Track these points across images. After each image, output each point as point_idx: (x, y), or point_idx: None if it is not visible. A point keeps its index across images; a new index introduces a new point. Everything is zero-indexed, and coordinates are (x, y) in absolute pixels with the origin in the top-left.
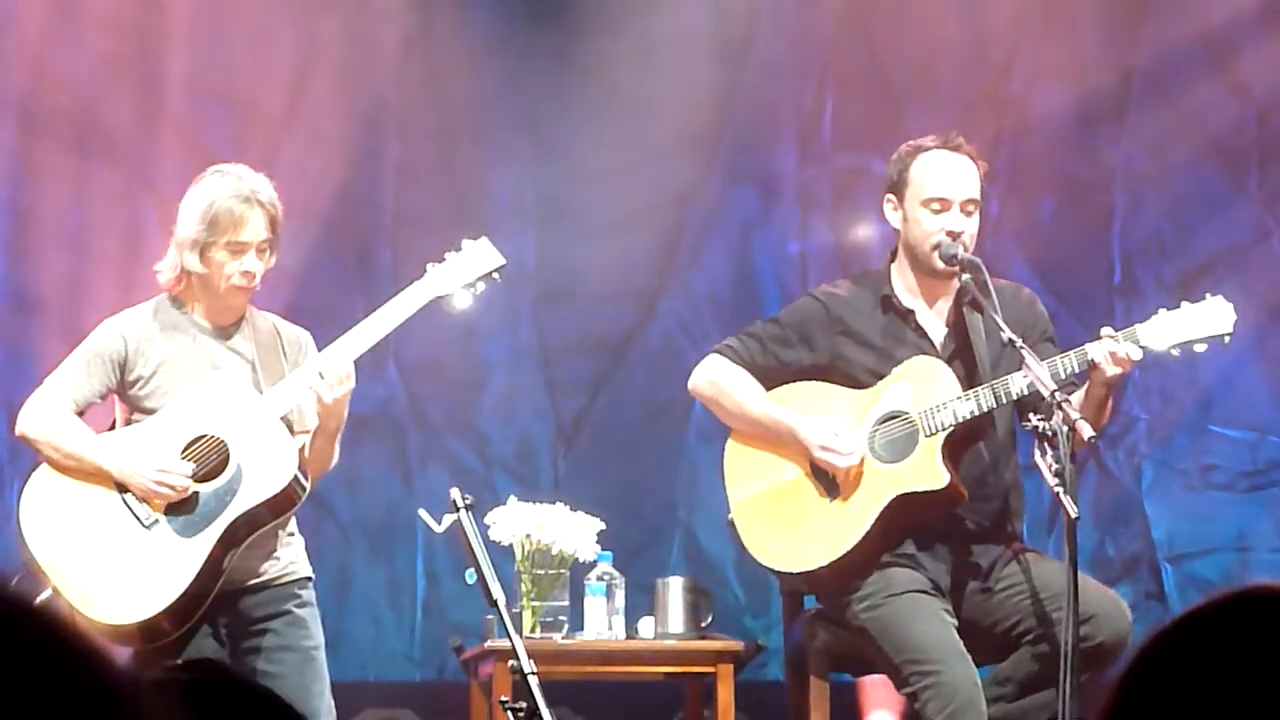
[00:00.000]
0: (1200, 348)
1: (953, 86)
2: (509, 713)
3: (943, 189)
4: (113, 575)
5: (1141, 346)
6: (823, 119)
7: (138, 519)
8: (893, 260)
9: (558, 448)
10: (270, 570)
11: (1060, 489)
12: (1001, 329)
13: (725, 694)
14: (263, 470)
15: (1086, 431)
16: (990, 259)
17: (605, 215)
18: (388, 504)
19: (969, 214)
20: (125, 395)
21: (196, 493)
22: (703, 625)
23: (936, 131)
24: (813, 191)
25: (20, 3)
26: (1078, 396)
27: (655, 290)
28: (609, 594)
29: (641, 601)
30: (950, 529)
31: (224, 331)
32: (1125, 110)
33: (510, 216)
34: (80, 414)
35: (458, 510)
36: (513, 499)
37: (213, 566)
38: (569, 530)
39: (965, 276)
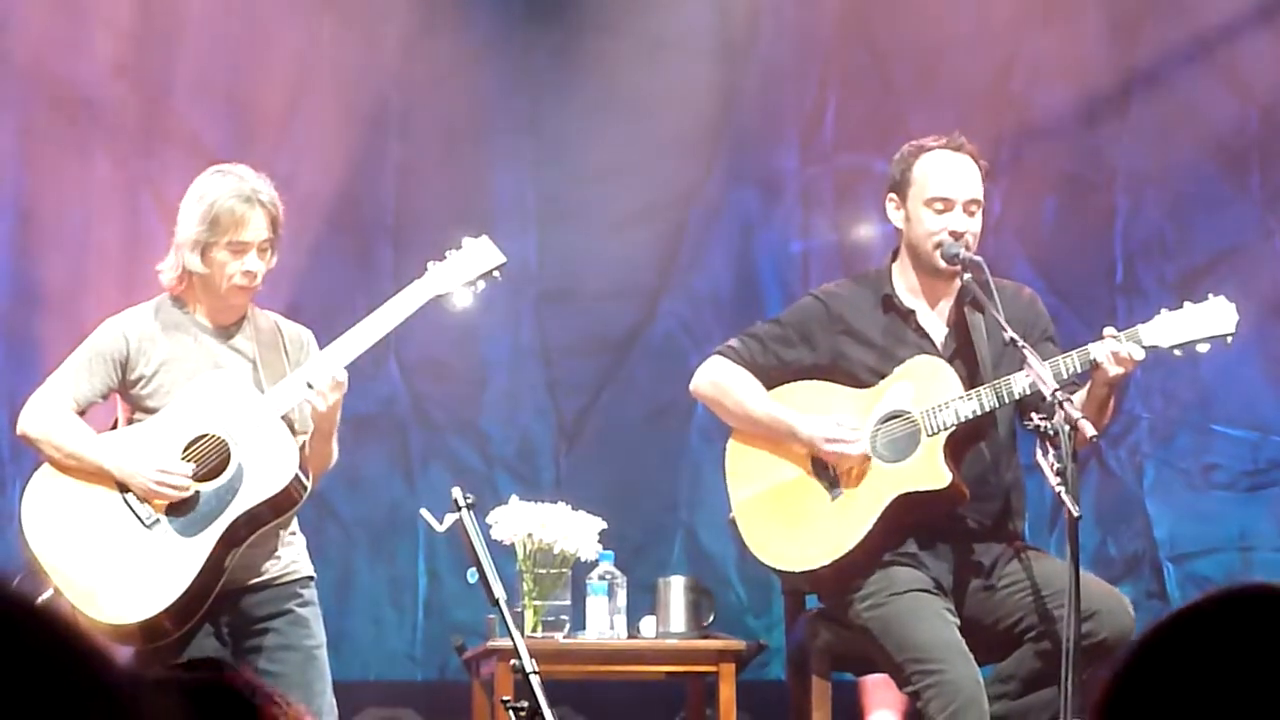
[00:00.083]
0: (1203, 348)
1: (954, 86)
2: (511, 712)
3: (945, 189)
4: (114, 575)
5: (1144, 346)
6: (824, 118)
7: (139, 518)
8: (894, 260)
9: (559, 447)
10: (272, 569)
11: (1062, 488)
12: (1003, 329)
13: (727, 693)
14: (264, 469)
15: (1088, 431)
16: (992, 258)
17: (607, 214)
18: (389, 503)
19: (971, 214)
20: (127, 394)
21: (198, 492)
22: (704, 624)
23: (938, 130)
24: (814, 191)
25: (22, 3)
26: (1079, 396)
27: (657, 289)
28: (611, 593)
29: (643, 601)
30: (952, 528)
31: (225, 331)
32: (1127, 109)
33: (511, 216)
34: (82, 413)
35: (459, 509)
36: (514, 498)
37: (214, 566)
38: (570, 529)
39: (967, 276)
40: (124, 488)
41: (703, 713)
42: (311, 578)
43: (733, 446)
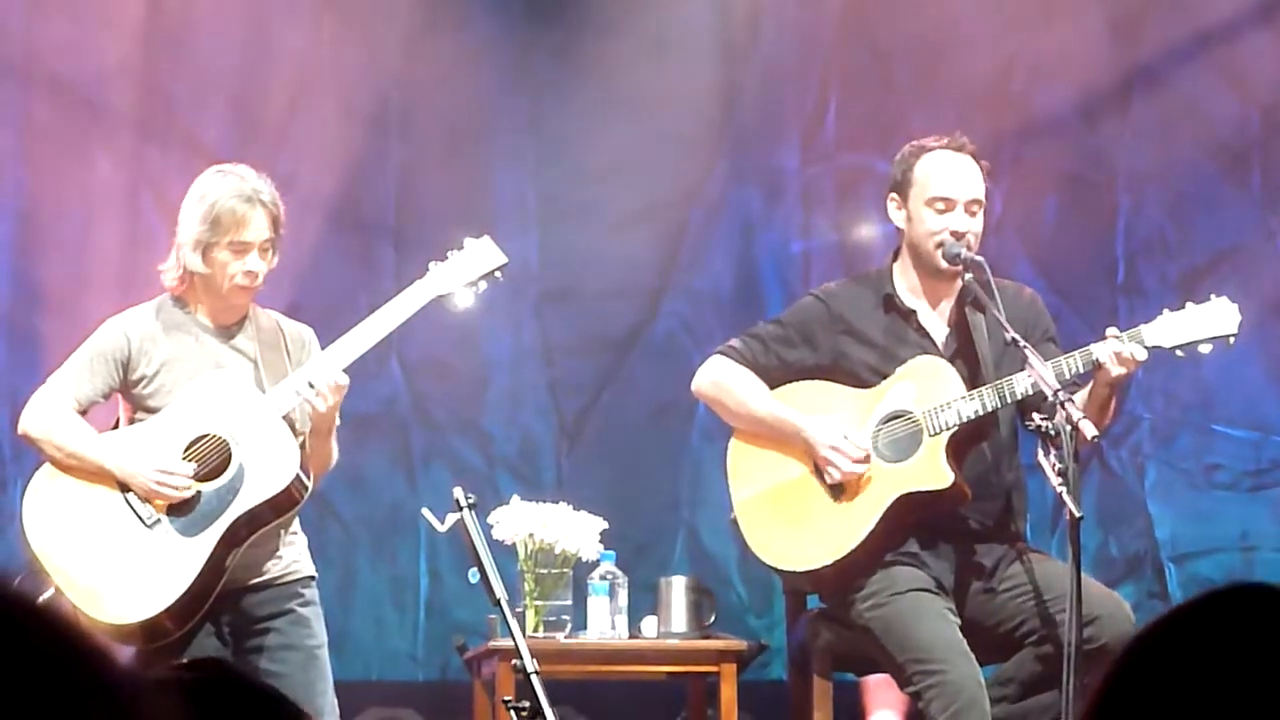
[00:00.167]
0: (1205, 348)
1: (955, 85)
2: (512, 712)
3: (947, 189)
4: (115, 575)
5: (1146, 347)
6: (825, 118)
7: (140, 518)
8: (895, 259)
9: (561, 447)
10: (273, 569)
11: (1063, 489)
12: (1005, 329)
13: (728, 693)
14: (264, 469)
15: (1090, 431)
16: (993, 258)
17: (608, 214)
18: (391, 503)
19: (973, 214)
20: (128, 394)
21: (199, 492)
22: (706, 624)
23: (939, 130)
24: (816, 190)
25: (23, 2)
26: (1080, 396)
27: (658, 289)
28: (612, 593)
29: (644, 601)
30: (954, 528)
31: (227, 331)
32: (1128, 109)
33: (513, 215)
34: (83, 413)
35: (461, 509)
36: (516, 498)
37: (215, 565)
38: (572, 529)
39: (968, 276)
40: (125, 488)
41: (704, 713)
42: (313, 577)
43: (734, 446)
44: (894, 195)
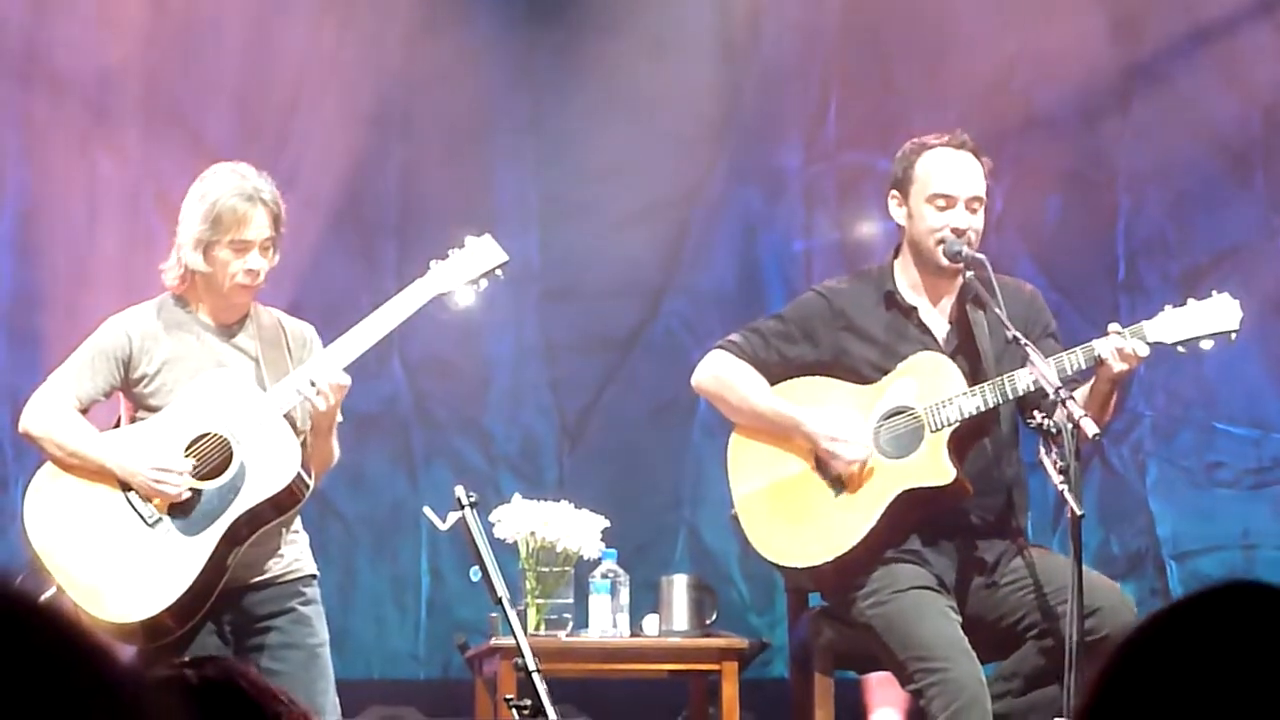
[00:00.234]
0: (1207, 345)
1: (957, 83)
2: (513, 710)
3: (948, 186)
4: (116, 573)
5: (1148, 343)
6: (827, 116)
7: (141, 517)
8: (896, 256)
9: (562, 445)
10: (274, 567)
11: (1065, 486)
12: (1006, 326)
13: (730, 691)
14: (266, 468)
15: (1091, 429)
16: (994, 256)
17: (609, 213)
18: (392, 501)
19: (974, 211)
20: (129, 393)
21: (200, 491)
22: (707, 622)
23: (940, 128)
24: (817, 189)
25: (26, 2)
26: (1082, 393)
27: (659, 288)
28: (613, 591)
29: (646, 599)
30: (955, 524)
31: (228, 329)
32: (1129, 107)
33: (514, 214)
34: (84, 412)
35: (462, 508)
36: (517, 496)
37: (216, 564)
38: (573, 528)
39: (969, 273)
40: (126, 486)
41: (705, 711)
42: (314, 576)
43: (735, 441)
44: (895, 192)
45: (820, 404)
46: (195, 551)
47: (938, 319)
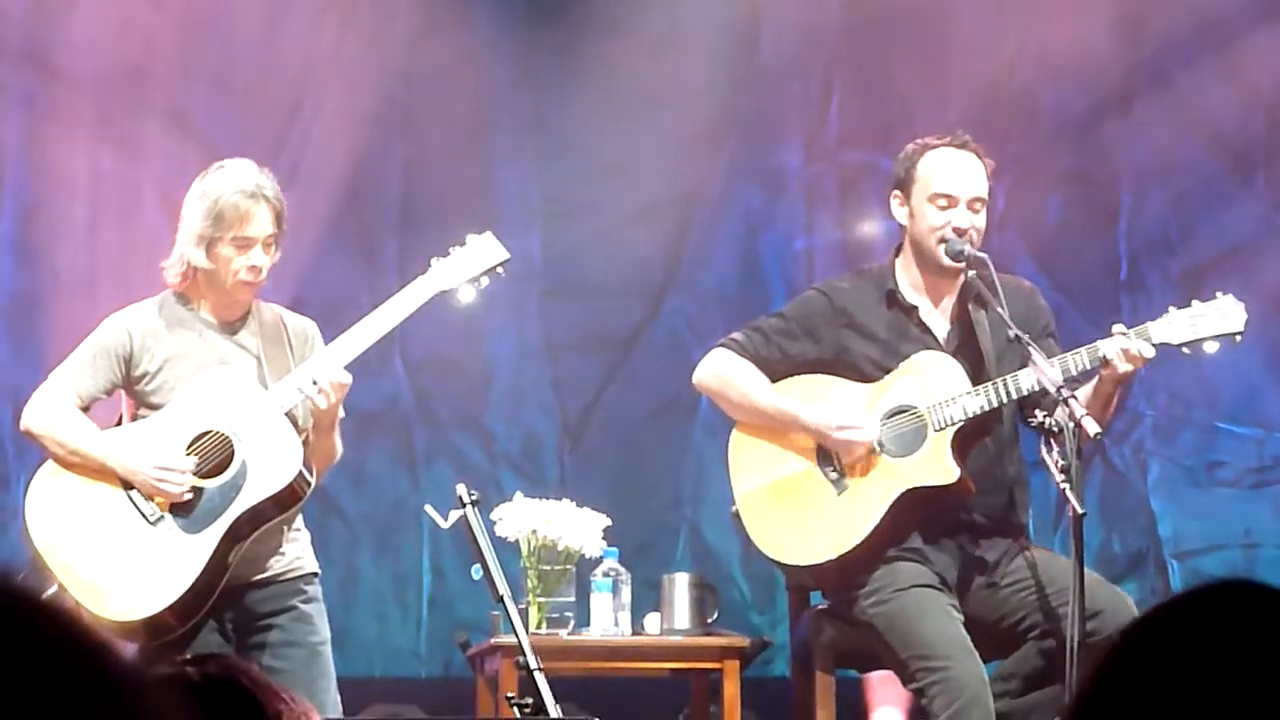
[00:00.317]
0: (1211, 346)
1: (958, 82)
2: (515, 708)
3: (949, 185)
4: (118, 571)
5: (1154, 344)
6: (828, 115)
7: (143, 515)
8: (897, 256)
9: (563, 444)
10: (276, 566)
11: (1066, 485)
12: (1008, 325)
13: (731, 690)
14: (267, 466)
15: (1093, 427)
16: (996, 255)
17: (611, 212)
18: (394, 500)
19: (976, 210)
20: (131, 391)
21: (201, 489)
22: (708, 621)
23: (942, 127)
24: (819, 188)
25: (27, 1)
26: (1084, 392)
27: (661, 286)
28: (615, 590)
29: (647, 597)
30: (957, 523)
31: (230, 326)
32: (1131, 107)
33: (516, 213)
34: (85, 410)
35: (464, 506)
36: (519, 495)
37: (218, 562)
38: (575, 526)
39: (971, 272)
40: (128, 484)
41: (707, 709)
42: (316, 574)
43: (736, 438)
44: (897, 192)
45: (822, 401)
46: (197, 549)
47: (938, 318)
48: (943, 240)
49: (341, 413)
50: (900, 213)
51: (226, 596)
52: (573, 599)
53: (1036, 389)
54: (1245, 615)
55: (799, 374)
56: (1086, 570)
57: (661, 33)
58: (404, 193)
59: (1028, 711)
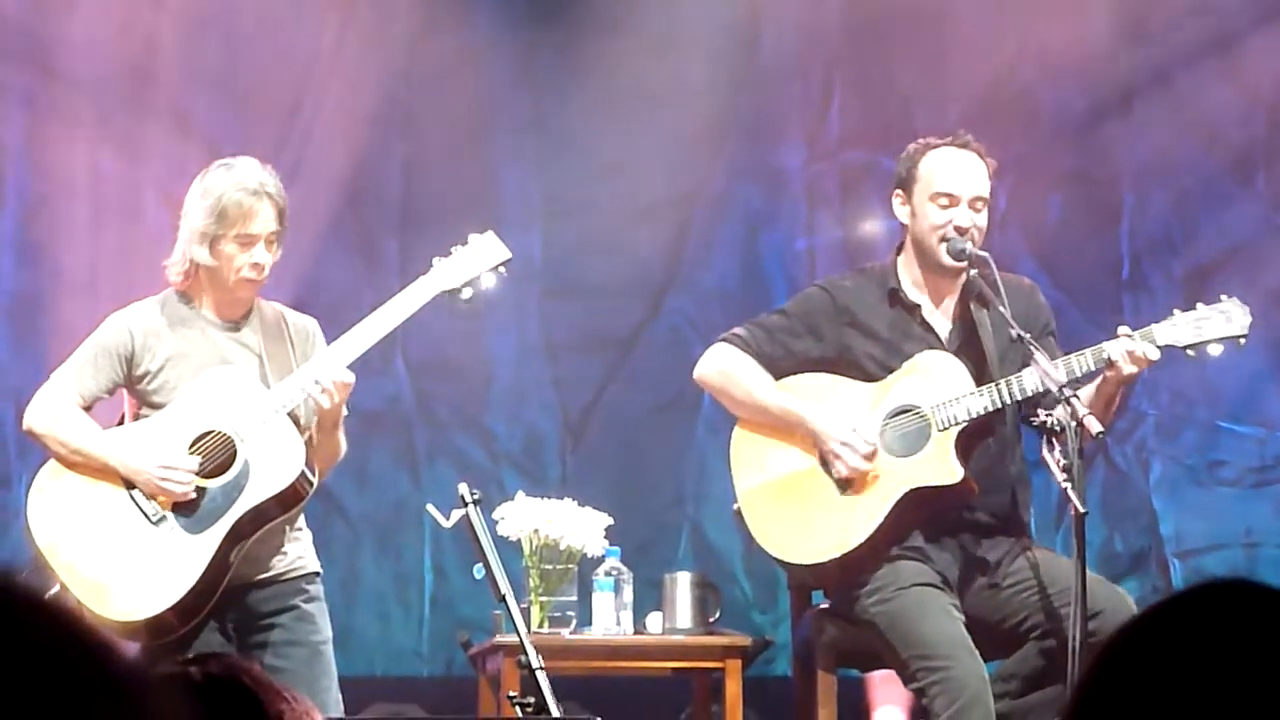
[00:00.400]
0: (1216, 349)
1: (960, 82)
2: (517, 708)
3: (950, 184)
4: (120, 571)
5: (1159, 346)
6: (829, 115)
7: (145, 515)
8: (899, 254)
9: (565, 443)
10: (278, 565)
11: (1068, 484)
12: (1010, 325)
13: (733, 689)
14: (270, 466)
15: (1094, 427)
16: (997, 255)
17: (612, 211)
18: (396, 499)
19: (977, 210)
20: (133, 390)
21: (204, 489)
22: (710, 620)
23: (942, 127)
24: (820, 187)
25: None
26: (1085, 393)
27: (662, 286)
28: (617, 589)
29: (649, 596)
30: (959, 522)
31: (232, 325)
32: (1132, 106)
33: (517, 212)
34: (87, 409)
35: (465, 505)
36: (520, 494)
37: (220, 562)
38: (576, 525)
39: (973, 271)
40: (130, 484)
41: (708, 708)
42: (318, 573)
43: (738, 435)
44: (899, 192)
45: (825, 401)
46: (199, 549)
47: (940, 317)
48: (944, 239)
49: (345, 411)
50: (902, 212)
51: (228, 596)
52: (574, 598)
53: (1040, 390)
54: (1242, 614)
55: (802, 371)
56: (1088, 570)
57: (662, 32)
58: (404, 192)
59: (1028, 711)
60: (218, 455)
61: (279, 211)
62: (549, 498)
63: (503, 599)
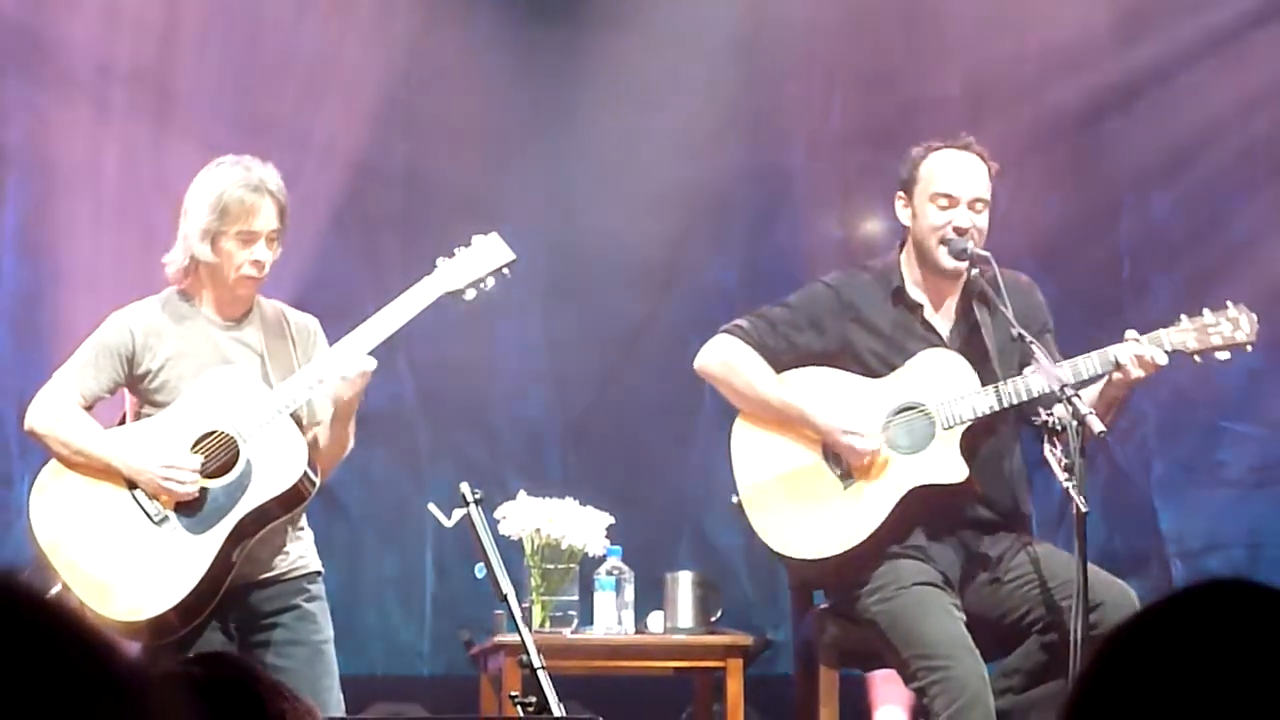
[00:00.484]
0: (1223, 355)
1: (960, 82)
2: (518, 707)
3: (950, 185)
4: (123, 571)
5: (1167, 351)
6: (831, 115)
7: (148, 515)
8: (900, 253)
9: (566, 442)
10: (280, 565)
11: (1070, 483)
12: (1011, 324)
13: (734, 688)
14: (272, 466)
15: (1096, 426)
16: (997, 254)
17: (614, 210)
18: (397, 499)
19: (977, 211)
20: (134, 389)
21: (206, 489)
22: (712, 619)
23: (944, 126)
24: (820, 187)
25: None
26: (1088, 394)
27: (664, 285)
28: (618, 588)
29: (651, 596)
30: (960, 520)
31: (233, 323)
32: (1133, 105)
33: (518, 211)
34: (89, 409)
35: (467, 505)
36: (522, 493)
37: (222, 562)
38: (578, 525)
39: (974, 271)
40: (132, 484)
41: (710, 708)
42: (319, 573)
43: (740, 428)
44: (901, 193)
45: (829, 396)
46: (202, 549)
47: (941, 318)
48: (944, 240)
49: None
50: (904, 214)
51: (230, 595)
52: (576, 597)
53: (1047, 391)
54: (1243, 613)
55: (804, 365)
56: (1090, 563)
57: (664, 31)
58: (405, 192)
59: (1030, 707)
60: (220, 455)
61: (280, 209)
62: (550, 497)
63: (504, 598)
